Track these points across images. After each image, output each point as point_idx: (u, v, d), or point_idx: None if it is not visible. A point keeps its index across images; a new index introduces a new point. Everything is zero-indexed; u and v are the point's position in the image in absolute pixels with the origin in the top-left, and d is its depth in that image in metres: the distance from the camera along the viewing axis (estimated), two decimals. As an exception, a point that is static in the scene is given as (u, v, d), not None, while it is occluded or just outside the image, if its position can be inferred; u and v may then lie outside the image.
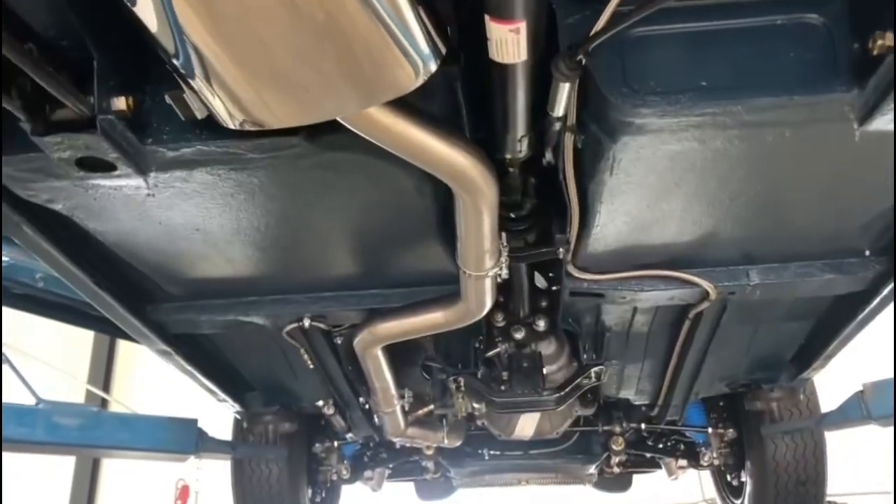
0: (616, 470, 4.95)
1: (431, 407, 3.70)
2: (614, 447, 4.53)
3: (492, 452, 4.73)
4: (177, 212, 2.07)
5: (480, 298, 2.50)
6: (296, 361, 3.42)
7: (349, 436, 4.28)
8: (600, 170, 1.94)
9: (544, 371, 3.42)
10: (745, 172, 2.01)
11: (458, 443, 4.23)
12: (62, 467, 12.72)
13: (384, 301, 2.79)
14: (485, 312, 2.59)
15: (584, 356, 3.36)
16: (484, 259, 2.20)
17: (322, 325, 2.97)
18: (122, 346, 12.94)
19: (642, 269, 2.63)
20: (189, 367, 3.22)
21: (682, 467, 4.69)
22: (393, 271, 2.72)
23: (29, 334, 10.03)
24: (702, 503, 12.71)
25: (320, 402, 3.72)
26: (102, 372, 13.83)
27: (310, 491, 4.74)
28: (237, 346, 3.42)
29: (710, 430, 4.53)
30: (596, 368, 3.39)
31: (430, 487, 5.78)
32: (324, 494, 4.94)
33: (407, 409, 3.52)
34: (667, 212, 2.23)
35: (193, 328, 2.94)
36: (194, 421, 3.65)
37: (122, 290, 2.65)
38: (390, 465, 5.01)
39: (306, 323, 2.90)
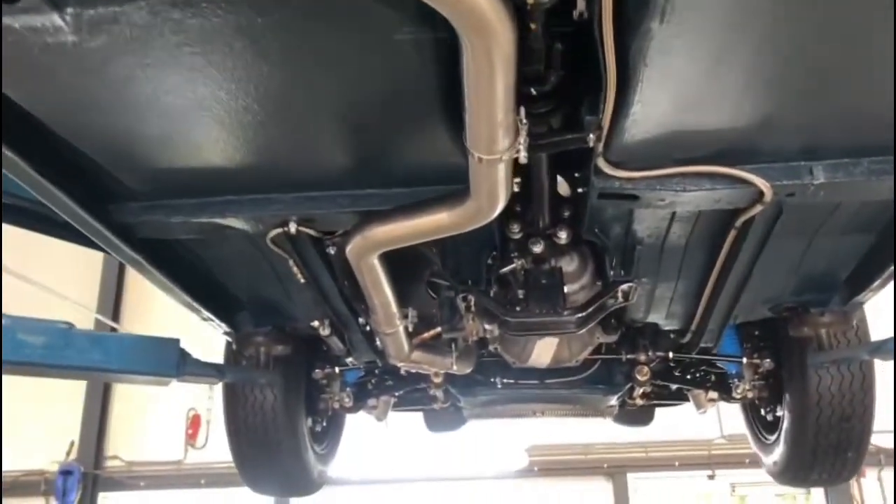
0: (639, 402, 4.60)
1: (439, 330, 3.33)
2: (639, 377, 4.17)
3: (505, 381, 4.37)
4: (114, 70, 1.66)
5: (493, 191, 2.09)
6: (286, 276, 3.06)
7: (350, 360, 3.93)
8: (648, 16, 1.51)
9: (565, 290, 3.05)
10: (837, 24, 1.58)
11: (469, 370, 3.88)
12: (76, 391, 12.67)
13: (382, 202, 2.40)
14: (497, 211, 2.18)
15: (611, 273, 2.97)
16: (497, 136, 1.79)
17: (311, 231, 2.59)
18: (132, 273, 12.72)
19: (685, 164, 2.22)
20: (165, 279, 2.86)
21: (712, 400, 4.32)
22: (392, 166, 2.32)
23: (39, 260, 9.80)
24: (720, 439, 12.53)
25: (315, 323, 3.36)
26: (112, 300, 13.68)
27: (309, 420, 4.44)
28: (221, 257, 3.06)
29: (744, 360, 4.15)
30: (624, 286, 3.01)
31: (439, 418, 5.47)
32: (325, 424, 4.64)
33: (411, 329, 3.15)
34: (723, 83, 1.81)
35: (164, 232, 2.57)
36: (176, 341, 3.30)
37: (76, 184, 2.26)
38: (396, 394, 4.69)
39: (292, 228, 2.52)
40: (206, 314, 3.37)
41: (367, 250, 2.48)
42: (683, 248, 2.92)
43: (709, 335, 3.57)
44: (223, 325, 3.55)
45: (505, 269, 3.10)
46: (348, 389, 4.46)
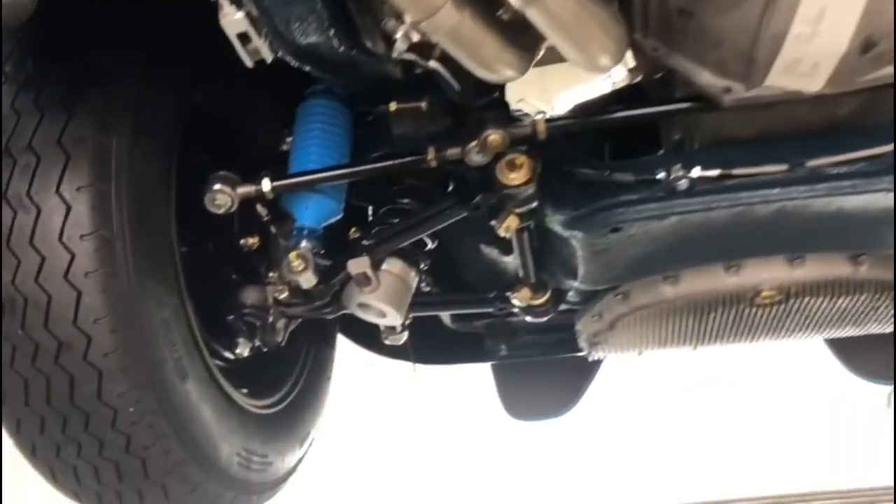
0: None
1: None
2: None
3: (698, 171, 1.52)
4: None
5: None
6: None
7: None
8: None
9: None
10: None
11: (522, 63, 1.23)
12: None
13: None
14: None
15: None
16: None
17: None
18: None
19: None
20: None
21: None
22: None
23: None
24: None
25: None
26: None
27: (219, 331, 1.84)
28: None
29: None
30: None
31: (527, 385, 2.67)
32: (261, 338, 1.96)
33: None
34: None
35: None
36: None
37: None
38: (417, 240, 1.90)
39: None
40: None
41: None
42: None
43: None
44: None
45: None
46: (305, 244, 1.80)
